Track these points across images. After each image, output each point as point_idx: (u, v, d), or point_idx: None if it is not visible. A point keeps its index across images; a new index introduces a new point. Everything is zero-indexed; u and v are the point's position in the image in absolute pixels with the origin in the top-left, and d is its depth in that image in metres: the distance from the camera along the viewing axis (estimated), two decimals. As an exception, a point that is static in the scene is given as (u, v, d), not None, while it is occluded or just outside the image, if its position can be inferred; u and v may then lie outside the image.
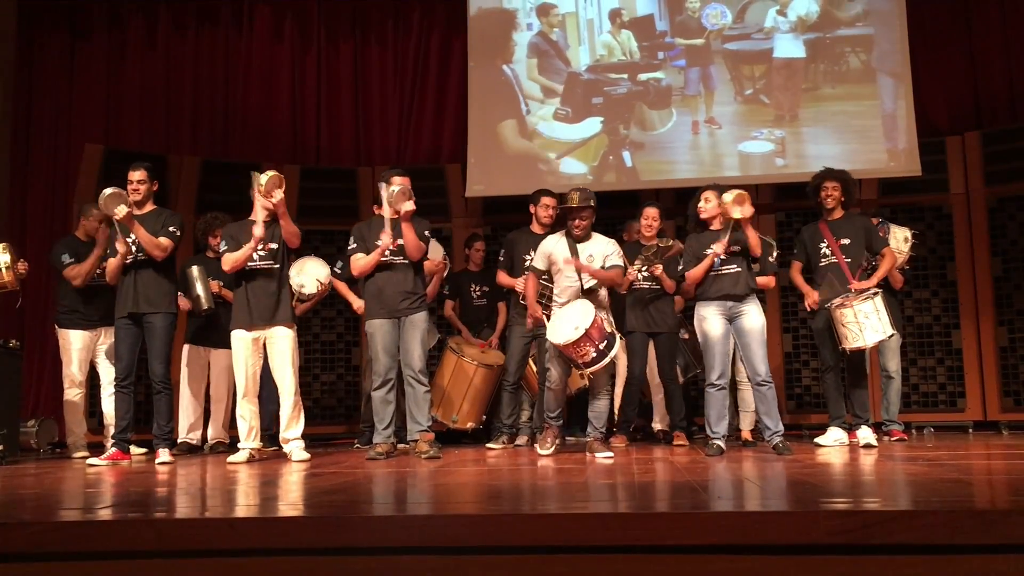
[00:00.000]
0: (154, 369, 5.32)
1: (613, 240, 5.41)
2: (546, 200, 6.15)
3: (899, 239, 6.16)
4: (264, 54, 8.61)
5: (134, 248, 5.29)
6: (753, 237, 5.18)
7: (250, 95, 8.56)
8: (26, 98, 8.18)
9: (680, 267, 5.45)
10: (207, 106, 8.51)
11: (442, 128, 8.58)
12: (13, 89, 8.05)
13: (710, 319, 5.19)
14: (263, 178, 5.14)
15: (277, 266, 5.32)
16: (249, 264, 5.28)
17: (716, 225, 5.27)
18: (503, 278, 6.18)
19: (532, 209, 6.19)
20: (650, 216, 6.10)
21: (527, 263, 5.86)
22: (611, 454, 5.04)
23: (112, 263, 5.36)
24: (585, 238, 5.31)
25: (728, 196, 5.11)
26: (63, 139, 8.16)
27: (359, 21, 8.75)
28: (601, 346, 4.96)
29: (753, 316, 5.14)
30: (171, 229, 5.37)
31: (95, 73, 8.33)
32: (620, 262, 5.30)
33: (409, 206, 5.19)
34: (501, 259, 6.22)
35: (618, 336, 5.12)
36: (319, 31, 8.70)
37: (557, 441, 5.32)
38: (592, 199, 5.30)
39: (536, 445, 5.47)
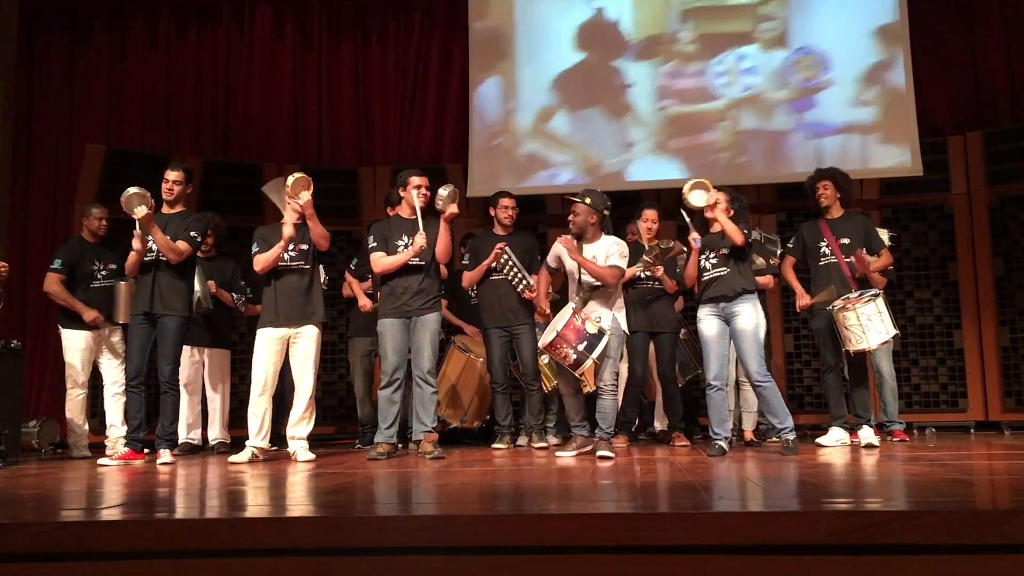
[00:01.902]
0: (162, 370, 5.34)
1: (620, 240, 5.35)
2: (504, 201, 6.19)
3: None
4: (265, 54, 8.62)
5: (154, 247, 5.31)
6: (727, 225, 5.08)
7: (251, 95, 8.57)
8: (27, 98, 8.20)
9: (677, 271, 5.44)
10: (208, 106, 8.52)
11: (443, 128, 8.59)
12: (14, 89, 8.06)
13: (705, 320, 5.20)
14: (290, 180, 5.18)
15: (308, 267, 5.37)
16: (280, 264, 5.33)
17: (716, 228, 5.26)
18: (466, 280, 6.22)
19: (492, 212, 6.22)
20: (649, 219, 6.10)
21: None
22: (612, 454, 5.02)
23: (130, 258, 5.41)
24: (592, 239, 5.30)
25: (685, 187, 5.18)
26: (64, 139, 8.18)
27: (360, 21, 8.76)
28: (580, 347, 4.94)
29: (745, 317, 5.09)
30: (191, 234, 5.39)
31: (96, 73, 8.34)
32: (619, 262, 5.22)
33: (453, 208, 5.30)
34: (466, 262, 6.26)
35: (607, 336, 5.04)
36: (320, 31, 8.71)
37: (585, 449, 5.21)
38: (588, 197, 5.30)
39: (557, 452, 5.41)
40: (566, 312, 5.09)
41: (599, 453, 4.99)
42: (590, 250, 5.26)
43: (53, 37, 8.35)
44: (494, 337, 6.02)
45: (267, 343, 5.31)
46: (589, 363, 4.99)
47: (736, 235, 5.05)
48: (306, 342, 5.33)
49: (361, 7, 8.75)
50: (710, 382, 5.17)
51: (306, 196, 5.20)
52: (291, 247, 5.32)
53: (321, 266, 6.53)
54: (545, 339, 5.05)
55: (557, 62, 8.06)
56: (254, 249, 5.42)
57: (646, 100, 7.87)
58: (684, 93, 7.83)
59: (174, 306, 5.34)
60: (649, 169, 7.80)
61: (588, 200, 5.28)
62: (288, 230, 5.25)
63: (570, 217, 5.31)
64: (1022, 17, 7.86)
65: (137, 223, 5.25)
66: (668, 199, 8.00)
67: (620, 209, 7.33)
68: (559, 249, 5.37)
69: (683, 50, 7.89)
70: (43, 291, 6.21)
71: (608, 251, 5.24)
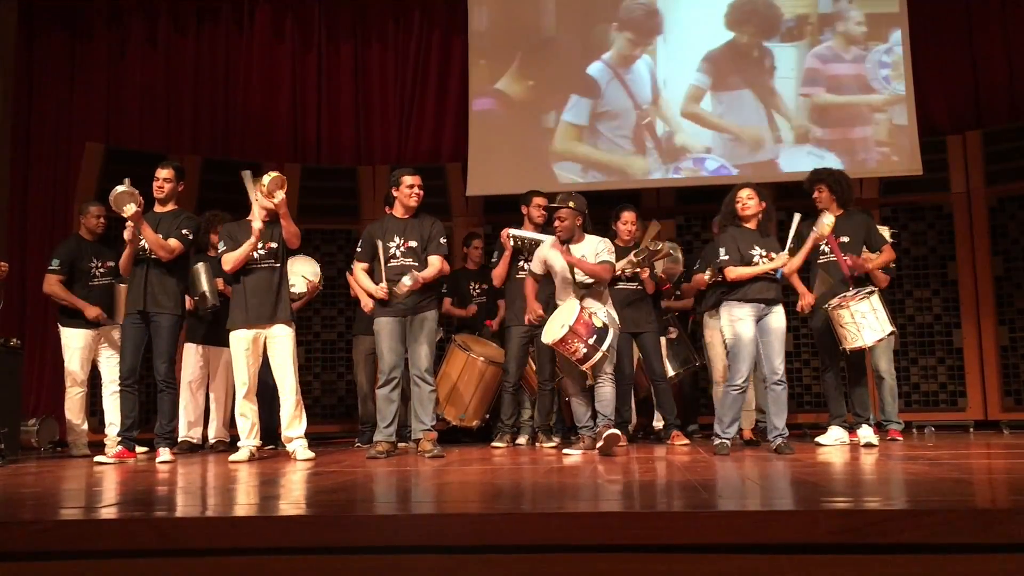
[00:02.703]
0: (158, 368, 5.34)
1: (605, 239, 5.45)
2: (538, 200, 6.21)
3: None
4: (265, 53, 8.61)
5: (145, 245, 5.31)
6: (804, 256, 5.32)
7: (251, 94, 8.56)
8: (27, 97, 8.18)
9: (724, 256, 5.20)
10: (208, 105, 8.51)
11: (443, 127, 8.58)
12: (14, 88, 8.04)
13: (745, 321, 5.14)
14: (265, 179, 5.15)
15: (277, 265, 5.32)
16: (249, 263, 5.28)
17: (752, 224, 5.27)
18: (496, 278, 6.22)
19: (524, 210, 6.23)
20: (628, 220, 6.11)
21: (520, 263, 6.02)
22: (618, 431, 5.04)
23: (124, 256, 5.39)
24: (577, 240, 5.35)
25: (828, 220, 5.27)
26: (64, 138, 8.16)
27: (360, 20, 8.75)
28: (590, 341, 5.01)
29: (780, 317, 5.18)
30: (183, 232, 5.38)
31: (96, 72, 8.33)
32: (609, 258, 5.34)
33: (280, 196, 5.17)
34: (494, 259, 6.27)
35: (612, 330, 5.12)
36: (320, 30, 8.70)
37: (591, 449, 5.22)
38: (571, 201, 5.34)
39: (564, 449, 5.44)
40: (573, 307, 5.10)
41: (605, 433, 4.97)
42: (577, 251, 5.33)
43: (52, 35, 8.33)
44: (515, 335, 6.02)
45: (242, 344, 5.28)
46: (598, 356, 5.03)
47: (800, 265, 5.37)
48: (281, 342, 5.30)
49: (361, 6, 8.74)
50: (738, 383, 5.12)
51: (280, 196, 5.14)
52: (260, 245, 5.26)
53: (318, 265, 6.55)
54: (554, 335, 5.06)
55: (707, 40, 7.80)
56: (221, 247, 5.38)
57: (794, 85, 7.64)
58: (837, 80, 7.58)
59: (167, 304, 5.34)
60: (799, 160, 7.49)
61: (572, 204, 5.33)
62: (257, 224, 5.21)
63: (556, 224, 5.35)
64: (1022, 16, 7.85)
65: (127, 222, 5.25)
66: (668, 197, 8.02)
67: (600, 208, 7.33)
68: (544, 254, 5.44)
69: (850, 31, 7.61)
70: (43, 292, 6.21)
71: (596, 250, 5.33)
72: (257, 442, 5.31)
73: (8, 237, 7.83)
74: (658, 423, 6.59)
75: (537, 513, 2.57)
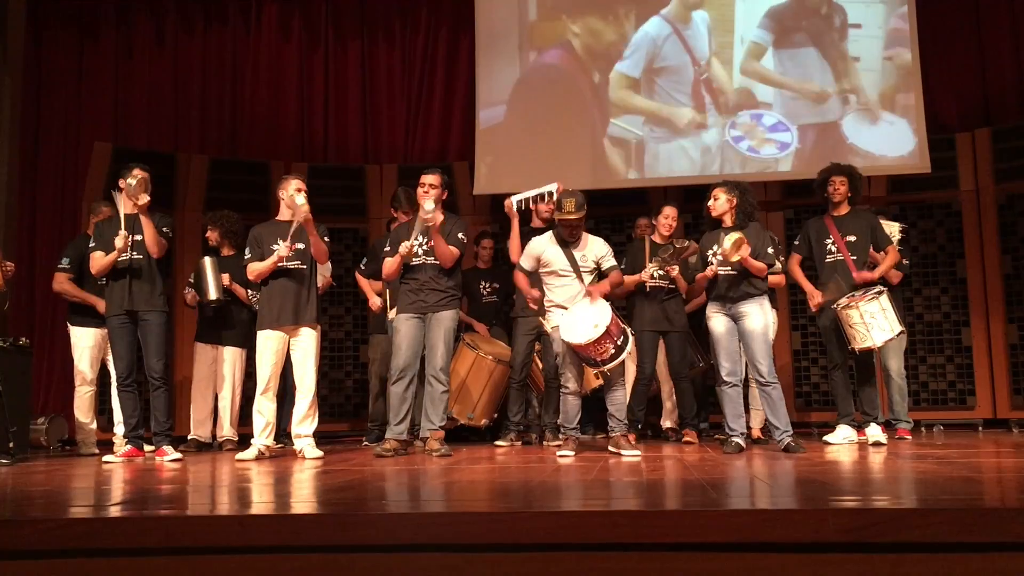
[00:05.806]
0: (151, 366, 5.32)
1: (602, 240, 5.35)
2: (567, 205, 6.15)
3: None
4: (272, 52, 8.64)
5: (129, 247, 5.29)
6: (754, 267, 5.07)
7: (258, 93, 8.58)
8: (35, 97, 8.21)
9: (691, 267, 5.37)
10: (215, 104, 8.54)
11: (450, 126, 8.60)
12: (22, 88, 8.07)
13: (714, 318, 5.20)
14: (299, 199, 5.12)
15: (305, 267, 5.33)
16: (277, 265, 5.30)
17: (727, 222, 5.25)
18: (512, 251, 6.10)
19: (533, 207, 6.19)
20: (670, 216, 6.07)
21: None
22: (638, 452, 4.96)
23: (107, 258, 5.31)
24: (576, 244, 5.23)
25: (727, 243, 4.99)
26: (72, 138, 8.19)
27: (366, 19, 8.76)
28: (619, 341, 4.94)
29: (753, 317, 5.08)
30: (164, 229, 5.39)
31: (104, 72, 8.36)
32: (615, 262, 5.28)
33: (439, 218, 5.18)
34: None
35: (629, 331, 5.09)
36: (327, 29, 8.72)
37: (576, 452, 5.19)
38: (583, 209, 5.15)
39: (557, 452, 5.38)
40: (603, 307, 4.97)
41: (624, 451, 4.93)
42: (581, 254, 5.21)
43: (60, 35, 8.36)
44: (522, 328, 5.98)
45: (268, 343, 5.30)
46: (623, 357, 4.96)
47: (761, 272, 5.15)
48: (306, 341, 5.32)
49: (367, 5, 8.75)
50: (724, 378, 5.14)
51: (301, 199, 5.11)
52: (287, 246, 5.27)
53: (328, 262, 6.53)
54: (588, 335, 4.86)
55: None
56: (247, 254, 5.38)
57: (873, 45, 7.52)
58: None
59: (154, 302, 5.33)
60: (863, 126, 7.47)
61: (583, 211, 5.16)
62: (283, 251, 5.21)
63: (568, 231, 5.17)
64: (1031, 13, 7.82)
65: (123, 217, 5.22)
66: (676, 196, 8.00)
67: (628, 206, 7.35)
68: (538, 250, 5.26)
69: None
70: (53, 291, 6.23)
71: (600, 253, 5.24)
72: (269, 441, 5.30)
73: (17, 236, 7.86)
74: (666, 422, 6.58)
75: (546, 512, 2.57)
